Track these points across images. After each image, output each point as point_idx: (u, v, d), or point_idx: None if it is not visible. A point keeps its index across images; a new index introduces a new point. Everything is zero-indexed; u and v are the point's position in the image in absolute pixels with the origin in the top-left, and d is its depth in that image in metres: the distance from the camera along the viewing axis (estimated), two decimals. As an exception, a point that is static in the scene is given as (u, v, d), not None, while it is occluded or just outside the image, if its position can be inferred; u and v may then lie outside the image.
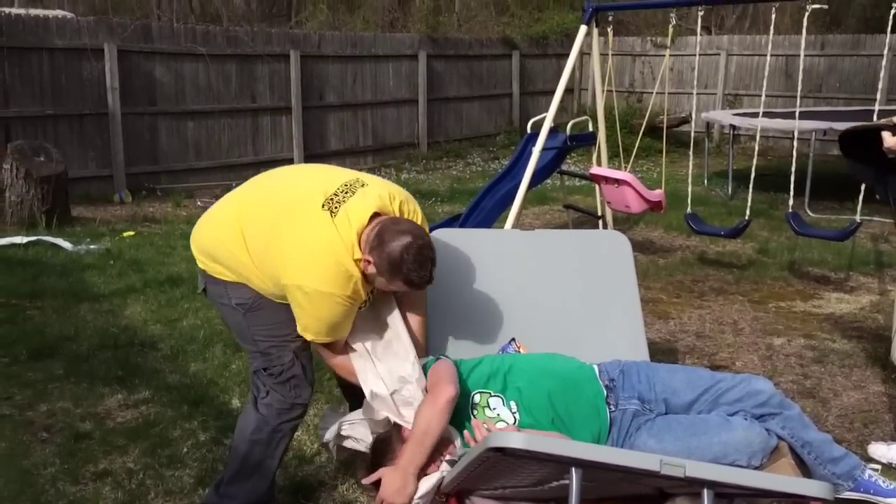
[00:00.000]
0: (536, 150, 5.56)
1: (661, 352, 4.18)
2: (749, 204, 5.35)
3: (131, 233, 6.93)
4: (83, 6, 17.57)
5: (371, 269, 2.33)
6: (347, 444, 2.58)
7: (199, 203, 8.42)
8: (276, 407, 2.52)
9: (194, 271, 2.62)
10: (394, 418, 2.48)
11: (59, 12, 11.23)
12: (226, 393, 3.64)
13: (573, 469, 1.88)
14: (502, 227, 5.37)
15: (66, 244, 6.28)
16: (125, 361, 4.01)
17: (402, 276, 2.32)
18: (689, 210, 5.67)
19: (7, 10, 9.49)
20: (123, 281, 5.41)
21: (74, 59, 8.46)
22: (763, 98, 6.05)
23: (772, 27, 5.29)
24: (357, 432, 2.54)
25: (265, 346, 2.49)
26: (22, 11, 9.69)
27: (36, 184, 6.87)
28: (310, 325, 2.39)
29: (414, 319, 2.68)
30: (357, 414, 2.55)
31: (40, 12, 10.27)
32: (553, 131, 6.02)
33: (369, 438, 2.51)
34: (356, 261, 2.32)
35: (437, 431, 2.34)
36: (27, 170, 6.86)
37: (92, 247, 6.29)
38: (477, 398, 2.50)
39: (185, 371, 3.91)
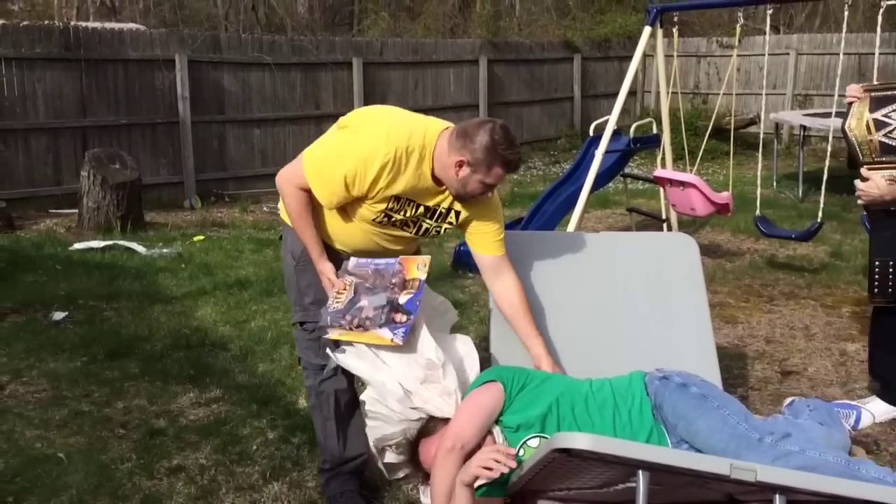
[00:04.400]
0: (599, 153, 5.52)
1: (730, 356, 4.09)
2: (821, 206, 5.20)
3: (201, 237, 7.14)
4: (155, 19, 18.17)
5: (465, 171, 2.41)
6: (388, 458, 2.53)
7: (265, 208, 8.62)
8: (311, 367, 2.69)
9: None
10: (433, 412, 2.42)
11: (133, 25, 11.65)
12: (293, 392, 3.72)
13: (640, 472, 1.87)
14: (564, 231, 5.34)
15: (140, 248, 6.50)
16: (196, 361, 4.13)
17: (500, 158, 2.39)
18: (757, 213, 5.54)
19: (84, 23, 9.91)
20: (194, 284, 5.57)
21: (147, 70, 8.77)
22: (836, 98, 5.88)
23: (844, 25, 5.14)
24: (393, 444, 2.49)
25: (307, 302, 2.66)
26: (98, 25, 10.09)
27: (111, 190, 7.14)
28: (310, 152, 2.51)
29: (492, 236, 2.68)
30: (387, 428, 2.47)
31: (115, 25, 10.68)
32: (616, 134, 5.97)
33: (403, 443, 2.46)
34: (424, 155, 2.42)
35: (440, 486, 2.26)
36: (103, 177, 7.13)
37: (164, 251, 6.50)
38: (534, 442, 2.40)
39: (253, 371, 4.00)
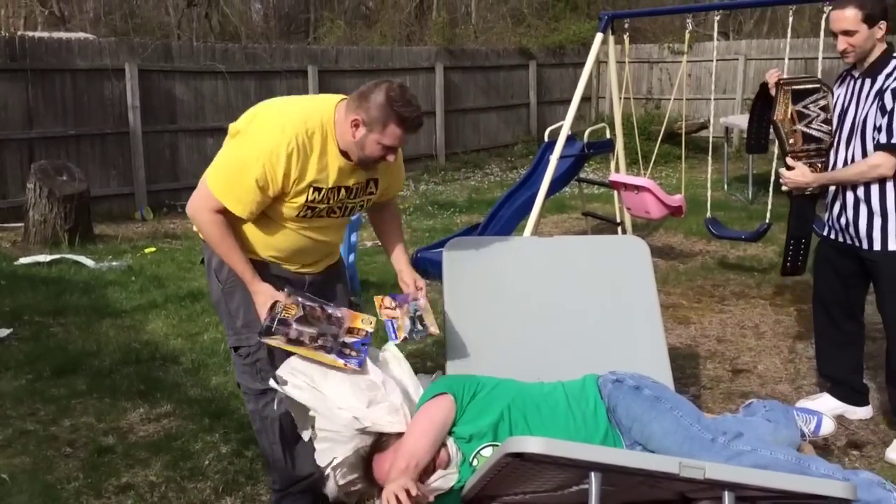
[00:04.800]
0: (554, 159, 5.55)
1: (682, 356, 4.14)
2: (769, 207, 5.29)
3: (152, 249, 7.00)
4: (105, 28, 17.85)
5: (361, 131, 2.37)
6: (341, 479, 2.46)
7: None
8: (251, 392, 2.64)
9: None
10: (384, 430, 2.40)
11: (82, 34, 11.43)
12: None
13: (592, 473, 1.87)
14: (520, 236, 5.36)
15: (89, 262, 6.36)
16: (147, 376, 4.04)
17: (395, 115, 2.33)
18: (708, 215, 5.63)
19: (31, 33, 9.68)
20: (145, 297, 5.46)
21: (96, 80, 8.60)
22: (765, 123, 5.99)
23: (789, 30, 5.25)
24: (347, 466, 2.44)
25: (239, 325, 2.58)
26: (45, 35, 9.87)
27: (59, 203, 6.97)
28: (212, 171, 2.44)
29: (390, 195, 2.74)
30: (338, 448, 2.43)
31: (63, 35, 10.46)
32: (570, 139, 6.02)
33: (358, 466, 2.42)
34: (326, 128, 2.39)
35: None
36: (50, 189, 6.96)
37: (114, 264, 6.36)
38: (487, 452, 2.38)
39: (206, 384, 3.93)
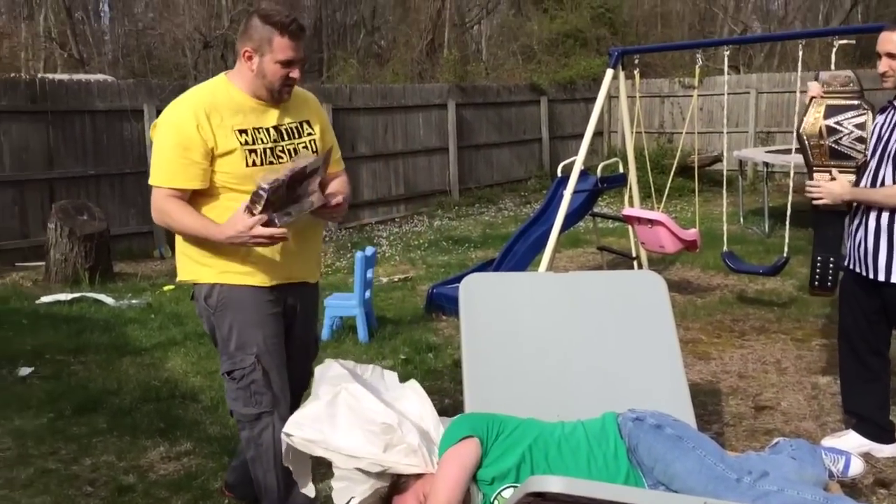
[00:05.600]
0: (568, 193, 5.58)
1: (704, 393, 4.11)
2: (787, 241, 5.28)
3: (171, 287, 7.06)
4: (123, 70, 18.21)
5: (255, 61, 2.48)
6: None
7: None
8: (245, 419, 2.64)
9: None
10: (404, 471, 2.38)
11: (101, 76, 11.65)
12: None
13: (616, 513, 1.85)
14: (536, 271, 5.37)
15: (109, 300, 6.41)
16: (167, 414, 4.05)
17: (277, 25, 2.44)
18: (725, 249, 5.62)
19: (51, 75, 9.88)
20: (164, 334, 5.49)
21: (115, 121, 8.75)
22: (795, 134, 6.01)
23: (799, 63, 5.29)
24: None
25: (232, 348, 2.61)
26: (65, 77, 10.07)
27: (79, 242, 7.06)
28: (153, 163, 2.55)
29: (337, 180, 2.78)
30: (355, 488, 2.40)
31: (82, 77, 10.66)
32: (584, 174, 6.05)
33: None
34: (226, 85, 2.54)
35: None
36: (71, 228, 7.05)
37: (133, 302, 6.41)
38: (508, 493, 2.36)
39: (225, 422, 3.93)
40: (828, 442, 3.34)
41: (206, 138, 2.48)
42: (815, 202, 3.26)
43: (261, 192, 2.40)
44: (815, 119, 3.25)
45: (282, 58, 2.47)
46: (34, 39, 18.15)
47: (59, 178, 8.36)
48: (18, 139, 8.11)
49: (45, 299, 6.39)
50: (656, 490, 2.33)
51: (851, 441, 3.34)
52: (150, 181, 2.57)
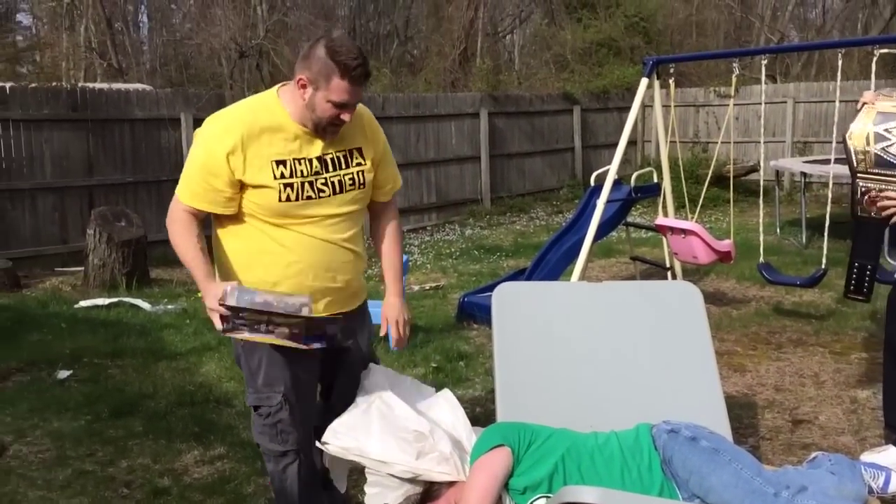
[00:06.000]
0: (601, 203, 5.55)
1: (739, 406, 4.05)
2: (825, 252, 5.20)
3: (206, 293, 7.13)
4: (161, 79, 18.53)
5: (308, 91, 2.29)
6: None
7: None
8: (270, 453, 2.55)
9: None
10: (436, 479, 2.38)
11: (139, 85, 11.87)
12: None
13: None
14: (569, 281, 5.34)
15: (145, 305, 6.51)
16: (201, 418, 4.10)
17: (340, 65, 2.23)
18: (761, 260, 5.54)
19: (91, 84, 10.09)
20: (199, 339, 5.56)
21: (153, 129, 8.91)
22: (834, 145, 5.92)
23: (839, 73, 5.21)
24: None
25: (259, 383, 2.49)
26: (105, 86, 10.28)
27: (117, 248, 7.18)
28: (182, 174, 2.41)
29: (389, 237, 2.71)
30: (388, 494, 2.41)
31: (122, 86, 10.88)
32: (617, 183, 6.01)
33: None
34: (278, 104, 2.37)
35: None
36: (109, 234, 7.18)
37: (169, 307, 6.50)
38: (540, 503, 2.35)
39: (258, 427, 3.96)
40: (867, 457, 3.27)
41: (235, 168, 2.31)
42: (885, 214, 3.15)
43: (223, 306, 2.28)
44: (863, 125, 3.19)
45: (336, 99, 2.28)
46: (75, 49, 18.56)
47: (99, 185, 8.53)
48: (59, 147, 8.28)
49: (83, 304, 6.51)
50: (691, 503, 2.31)
51: (892, 457, 3.26)
52: (177, 188, 2.45)
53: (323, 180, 2.40)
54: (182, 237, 2.42)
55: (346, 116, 2.35)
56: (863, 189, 3.20)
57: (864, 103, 3.26)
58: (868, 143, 3.15)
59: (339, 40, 2.28)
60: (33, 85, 9.17)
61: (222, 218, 2.44)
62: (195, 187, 2.38)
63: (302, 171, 2.37)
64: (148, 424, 4.03)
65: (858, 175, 3.18)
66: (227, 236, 2.47)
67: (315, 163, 2.39)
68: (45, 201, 8.21)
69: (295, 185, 2.36)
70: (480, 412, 4.00)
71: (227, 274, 2.47)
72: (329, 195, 2.42)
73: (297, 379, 2.50)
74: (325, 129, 2.37)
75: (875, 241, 3.39)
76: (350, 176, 2.47)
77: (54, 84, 10.30)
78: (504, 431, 2.48)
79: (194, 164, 2.39)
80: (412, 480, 2.38)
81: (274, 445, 2.52)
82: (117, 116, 8.65)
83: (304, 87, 2.31)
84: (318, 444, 2.46)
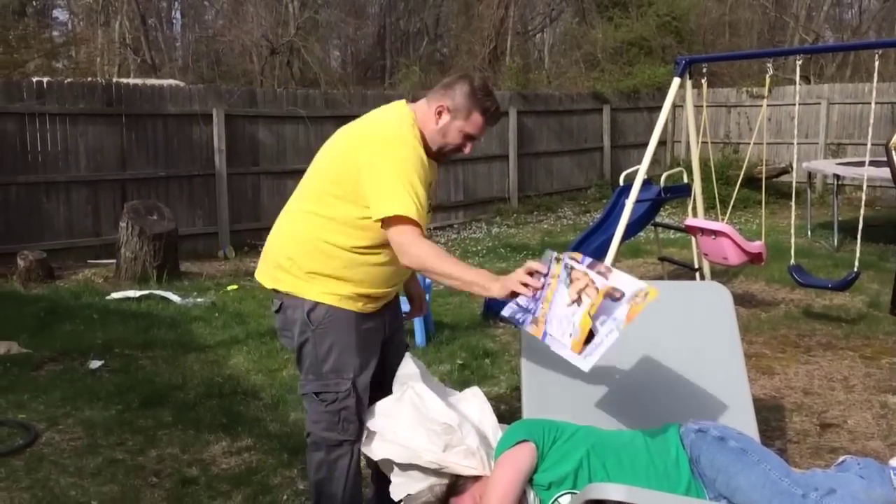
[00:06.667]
0: (630, 203, 5.52)
1: (767, 408, 4.01)
2: (857, 255, 5.13)
3: (235, 287, 7.23)
4: (193, 75, 18.74)
5: (445, 119, 2.43)
6: None
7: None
8: (324, 442, 2.50)
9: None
10: (462, 472, 2.39)
11: (172, 81, 12.03)
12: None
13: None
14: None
15: (176, 297, 6.60)
16: (229, 409, 4.15)
17: (480, 104, 2.43)
18: (792, 262, 5.48)
19: (125, 80, 10.25)
20: (227, 332, 5.63)
21: (185, 124, 9.02)
22: (869, 146, 5.84)
23: (875, 74, 5.13)
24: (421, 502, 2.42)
25: (326, 370, 2.47)
26: (139, 81, 10.43)
27: (149, 241, 7.28)
28: (388, 187, 2.29)
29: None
30: (413, 485, 2.41)
31: (155, 82, 11.03)
32: (647, 183, 5.98)
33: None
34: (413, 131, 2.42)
35: None
36: (141, 228, 7.29)
37: (199, 300, 6.59)
38: (565, 500, 2.34)
39: (285, 420, 4.01)
40: None
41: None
42: None
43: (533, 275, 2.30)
44: None
45: (471, 132, 2.47)
46: (109, 45, 18.84)
47: (131, 178, 8.65)
48: (94, 141, 8.42)
49: (115, 295, 6.62)
50: (719, 503, 2.29)
51: None
52: (389, 209, 2.28)
53: (430, 202, 2.49)
54: (439, 253, 2.35)
55: (467, 149, 2.53)
56: None
57: None
58: None
59: (482, 82, 2.49)
60: (69, 80, 9.34)
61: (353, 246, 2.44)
62: (421, 192, 2.34)
63: (430, 196, 2.48)
64: (177, 415, 4.09)
65: None
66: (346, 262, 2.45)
67: (430, 187, 2.50)
68: (79, 194, 8.35)
69: (427, 207, 2.43)
70: (506, 409, 4.01)
71: (321, 262, 2.45)
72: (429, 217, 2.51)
73: (365, 367, 2.51)
74: (444, 155, 2.53)
75: None
76: (431, 204, 2.54)
77: (90, 79, 10.48)
78: (529, 427, 2.48)
79: (408, 165, 2.33)
80: (437, 473, 2.40)
81: (332, 434, 2.49)
82: (150, 111, 8.78)
83: (440, 114, 2.45)
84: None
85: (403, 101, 2.57)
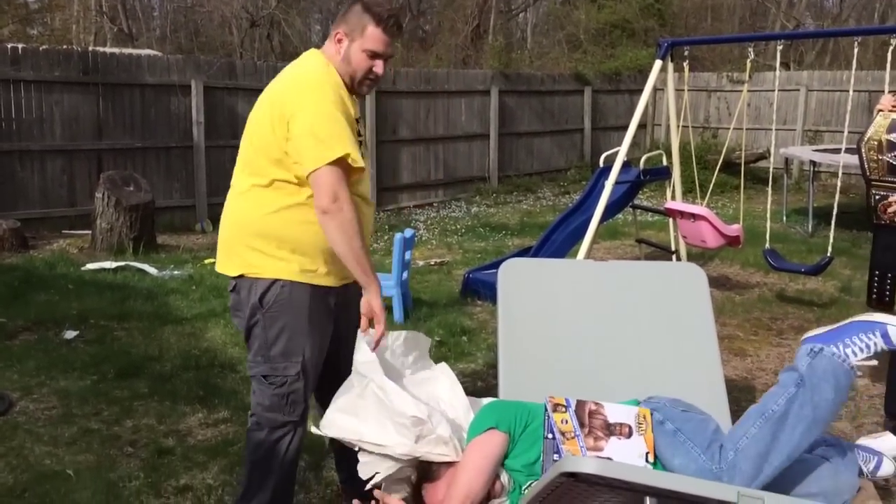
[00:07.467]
0: (609, 184, 5.55)
1: (738, 389, 4.08)
2: (831, 241, 5.21)
3: (212, 260, 7.16)
4: (171, 46, 18.46)
5: (344, 44, 2.37)
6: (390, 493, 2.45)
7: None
8: (268, 423, 2.46)
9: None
10: (435, 460, 2.38)
11: (150, 51, 11.84)
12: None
13: (647, 498, 1.87)
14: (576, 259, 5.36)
15: (152, 270, 6.56)
16: (206, 382, 4.15)
17: (376, 16, 2.34)
18: (767, 246, 5.55)
19: (102, 49, 10.07)
20: (204, 305, 5.61)
21: (163, 95, 8.90)
22: (846, 134, 5.92)
23: (854, 62, 5.18)
24: (390, 483, 2.42)
25: (274, 353, 2.42)
26: (116, 50, 10.26)
27: (125, 212, 7.21)
28: (319, 132, 2.25)
29: None
30: (379, 464, 2.40)
31: (132, 51, 10.85)
32: (626, 165, 6.01)
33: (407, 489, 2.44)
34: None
35: None
36: (117, 199, 7.21)
37: (175, 273, 6.55)
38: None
39: (261, 393, 4.01)
40: (863, 442, 3.31)
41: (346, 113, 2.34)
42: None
43: None
44: (877, 132, 3.17)
45: (370, 47, 2.36)
46: (86, 13, 18.49)
47: (108, 149, 8.54)
48: (69, 110, 8.29)
49: (90, 266, 6.56)
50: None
51: (887, 443, 3.30)
52: (318, 160, 2.24)
53: (360, 139, 2.43)
54: (356, 225, 2.29)
55: (378, 69, 2.41)
56: (877, 196, 3.19)
57: (880, 110, 3.25)
58: (881, 152, 3.14)
59: None
60: (45, 47, 9.16)
61: (281, 185, 2.37)
62: (345, 132, 2.28)
63: (358, 131, 2.42)
64: (153, 386, 4.08)
65: (872, 183, 3.17)
66: (281, 200, 2.38)
67: (356, 123, 2.43)
68: (54, 163, 8.23)
69: (360, 143, 2.39)
70: (482, 386, 4.05)
71: (281, 237, 2.38)
72: (366, 154, 2.46)
73: (314, 350, 2.47)
74: (359, 82, 2.42)
75: (894, 249, 3.36)
76: (362, 141, 2.47)
77: (66, 47, 10.28)
78: (500, 413, 2.47)
79: (326, 107, 2.28)
80: (410, 459, 2.40)
81: (276, 415, 2.46)
82: (128, 81, 8.65)
83: (339, 41, 2.39)
84: (314, 429, 2.46)
85: (313, 48, 2.50)
